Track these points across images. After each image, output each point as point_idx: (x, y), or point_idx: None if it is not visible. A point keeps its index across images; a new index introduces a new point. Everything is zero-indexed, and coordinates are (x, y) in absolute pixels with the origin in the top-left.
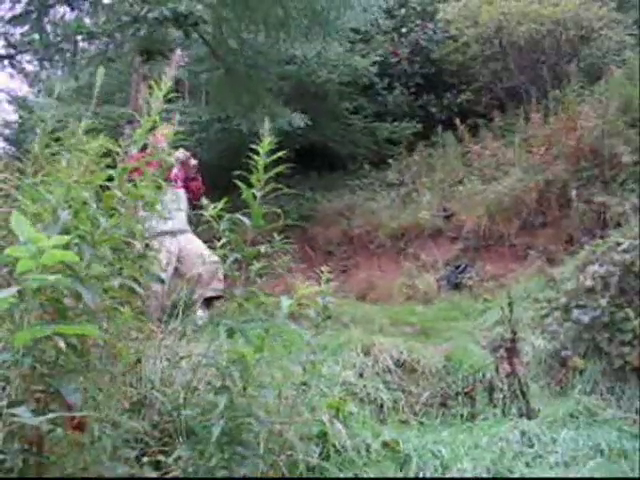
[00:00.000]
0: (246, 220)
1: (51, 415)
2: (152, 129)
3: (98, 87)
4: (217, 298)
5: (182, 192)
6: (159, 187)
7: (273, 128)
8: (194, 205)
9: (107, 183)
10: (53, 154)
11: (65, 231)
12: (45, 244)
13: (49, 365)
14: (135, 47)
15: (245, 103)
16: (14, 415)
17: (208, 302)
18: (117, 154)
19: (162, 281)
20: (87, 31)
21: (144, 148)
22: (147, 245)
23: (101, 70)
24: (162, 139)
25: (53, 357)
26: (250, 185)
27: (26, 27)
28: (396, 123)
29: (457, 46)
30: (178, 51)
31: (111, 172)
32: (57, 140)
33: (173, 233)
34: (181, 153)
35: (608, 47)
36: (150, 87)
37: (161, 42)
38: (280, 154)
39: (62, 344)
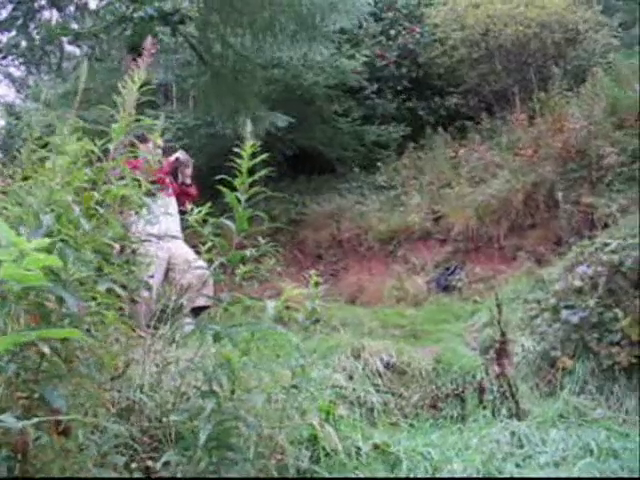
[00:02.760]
0: (230, 224)
1: (35, 420)
2: (130, 124)
3: (82, 83)
4: (205, 308)
5: (173, 199)
6: (140, 186)
7: (261, 132)
8: (182, 210)
9: (89, 184)
10: (40, 159)
11: (48, 235)
12: (26, 247)
13: (33, 371)
14: (123, 46)
15: (230, 107)
16: None
17: (196, 311)
18: (93, 153)
19: (149, 288)
20: (72, 33)
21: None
22: (133, 251)
23: (84, 67)
24: (151, 145)
25: (37, 363)
26: (234, 189)
27: (12, 33)
28: (384, 126)
29: (444, 49)
30: (149, 38)
31: (87, 172)
32: (45, 146)
33: (162, 238)
34: (182, 155)
35: (594, 49)
36: (124, 80)
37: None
38: (264, 156)
39: (46, 349)
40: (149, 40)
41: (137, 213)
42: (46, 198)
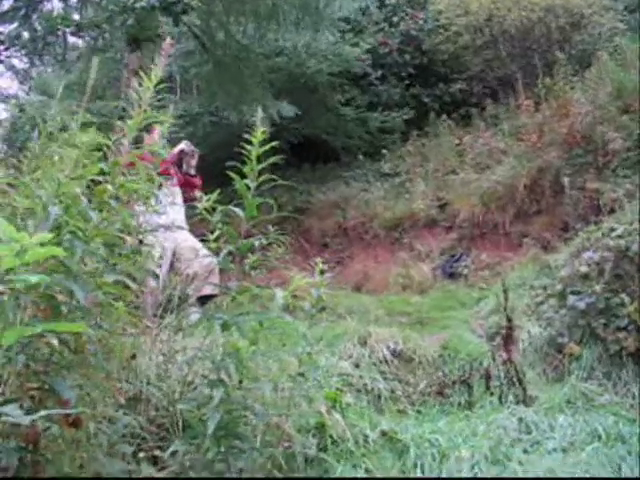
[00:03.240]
0: (239, 212)
1: (43, 412)
2: (144, 121)
3: (92, 79)
4: (211, 297)
5: (177, 189)
6: (152, 181)
7: (264, 119)
8: (186, 198)
9: (99, 177)
10: (45, 149)
11: (56, 227)
12: (28, 242)
13: (43, 362)
14: (124, 36)
15: (234, 96)
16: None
17: (202, 300)
18: (107, 147)
19: (157, 276)
20: (75, 24)
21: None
22: (141, 242)
23: (95, 60)
24: (156, 136)
25: (47, 354)
26: (243, 176)
27: (14, 24)
28: (387, 112)
29: (448, 35)
30: (168, 39)
31: (103, 166)
32: (50, 137)
33: (169, 228)
34: (187, 145)
35: (599, 33)
36: (140, 78)
37: (150, 29)
38: (274, 144)
39: (55, 342)
40: (168, 41)
41: (145, 203)
42: (54, 190)
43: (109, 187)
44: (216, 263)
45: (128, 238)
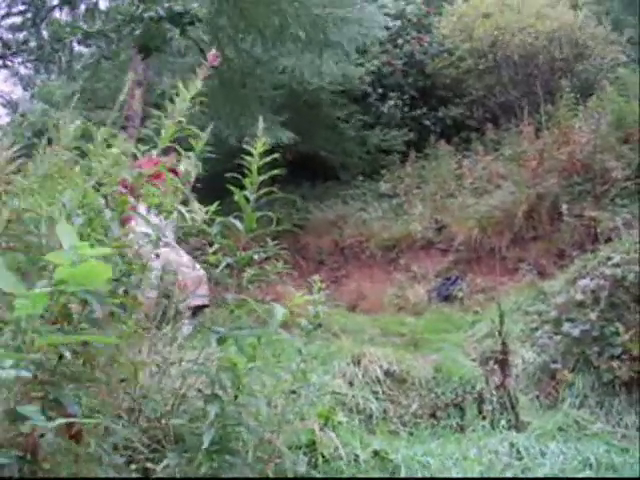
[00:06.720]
0: (238, 224)
1: (58, 422)
2: (177, 132)
3: (124, 93)
4: (203, 307)
5: None
6: (176, 194)
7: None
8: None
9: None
10: (56, 154)
11: (79, 237)
12: (87, 253)
13: (50, 372)
14: (131, 47)
15: (236, 113)
16: (23, 416)
17: (194, 311)
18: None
19: (168, 292)
20: (82, 32)
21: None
22: (157, 255)
23: (131, 75)
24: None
25: (55, 364)
26: (243, 188)
27: (23, 33)
28: (386, 130)
29: (451, 60)
30: (213, 50)
31: (127, 176)
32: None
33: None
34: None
35: (601, 64)
36: (177, 87)
37: (159, 39)
38: (275, 156)
39: (67, 353)
40: (212, 52)
41: (166, 218)
42: (78, 200)
43: (130, 199)
44: (204, 274)
45: (145, 252)
